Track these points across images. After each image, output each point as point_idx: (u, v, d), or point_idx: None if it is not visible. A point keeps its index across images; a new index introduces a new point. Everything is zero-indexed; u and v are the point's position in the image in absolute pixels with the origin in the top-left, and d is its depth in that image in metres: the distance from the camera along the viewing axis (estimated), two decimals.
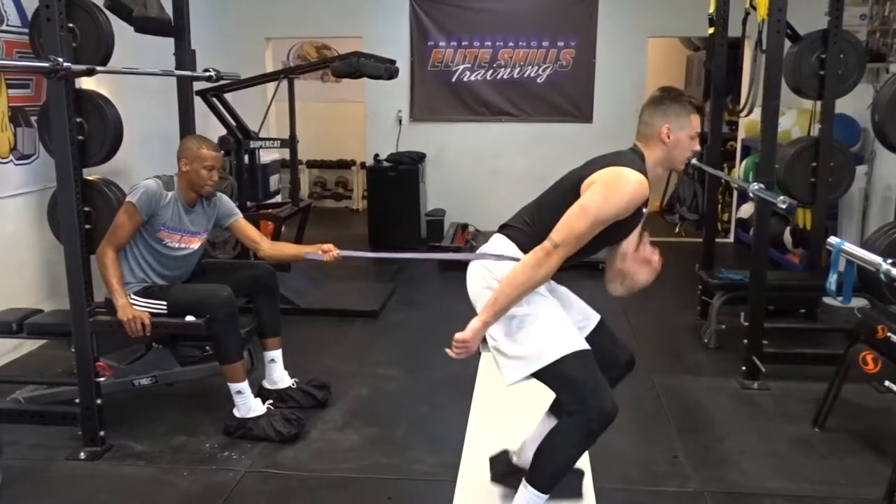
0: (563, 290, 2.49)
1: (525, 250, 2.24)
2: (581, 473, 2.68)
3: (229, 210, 3.34)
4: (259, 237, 3.39)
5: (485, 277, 2.32)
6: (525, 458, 2.52)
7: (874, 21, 5.28)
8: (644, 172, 2.19)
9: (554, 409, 2.56)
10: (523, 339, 2.21)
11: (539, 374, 2.20)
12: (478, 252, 2.41)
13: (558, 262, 2.14)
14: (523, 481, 2.31)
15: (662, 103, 2.26)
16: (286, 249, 3.51)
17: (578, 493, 2.63)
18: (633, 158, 2.23)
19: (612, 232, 2.22)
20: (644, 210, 2.27)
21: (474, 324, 2.21)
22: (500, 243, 2.34)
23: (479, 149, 7.13)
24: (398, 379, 3.80)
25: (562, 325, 2.24)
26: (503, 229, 2.38)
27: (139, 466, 2.92)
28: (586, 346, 2.22)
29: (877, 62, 5.10)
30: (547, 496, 2.27)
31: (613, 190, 2.13)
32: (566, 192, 2.24)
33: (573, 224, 2.13)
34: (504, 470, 2.68)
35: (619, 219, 2.16)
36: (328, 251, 3.10)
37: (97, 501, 2.69)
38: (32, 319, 3.24)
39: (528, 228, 2.30)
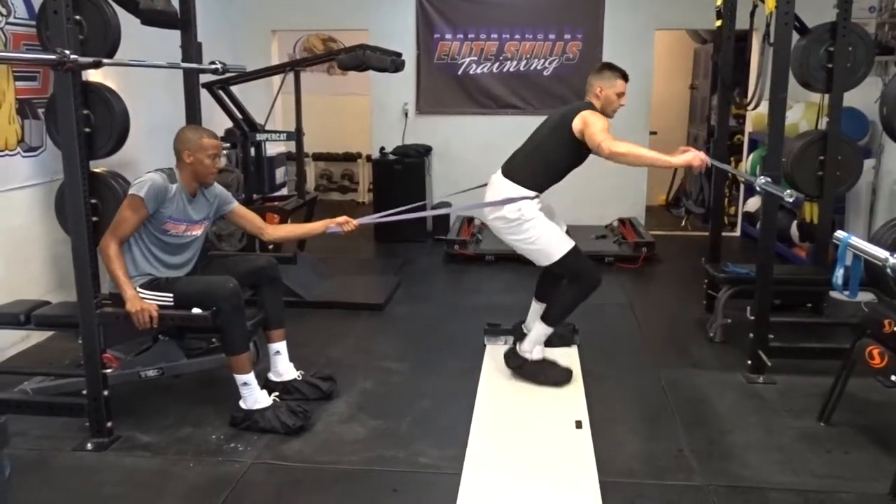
0: (551, 206, 3.63)
1: (528, 186, 3.41)
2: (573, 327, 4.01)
3: (227, 198, 3.37)
4: (262, 222, 3.43)
5: (502, 212, 3.43)
6: (525, 348, 3.65)
7: (883, 13, 5.24)
8: None
9: (538, 296, 3.82)
10: (541, 245, 3.43)
11: (553, 265, 3.46)
12: (487, 192, 3.56)
13: (613, 140, 3.18)
14: (539, 321, 3.57)
15: (600, 71, 3.53)
16: (293, 230, 3.61)
17: (568, 379, 3.58)
18: (591, 106, 3.42)
19: (582, 155, 3.41)
20: None
21: (677, 158, 3.24)
22: (507, 187, 3.45)
23: (485, 142, 7.10)
24: (403, 372, 3.81)
25: (559, 233, 3.47)
26: (508, 175, 3.48)
27: (146, 457, 2.94)
28: (574, 244, 3.45)
29: (885, 55, 5.07)
30: (552, 330, 3.58)
31: (599, 116, 3.34)
32: (557, 133, 3.41)
33: (597, 130, 3.22)
34: (515, 360, 3.64)
35: None
36: (344, 223, 3.19)
37: (104, 492, 2.71)
38: (40, 311, 3.25)
39: (529, 168, 3.46)
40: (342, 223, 3.29)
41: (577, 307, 3.52)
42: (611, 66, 3.52)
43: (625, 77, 3.49)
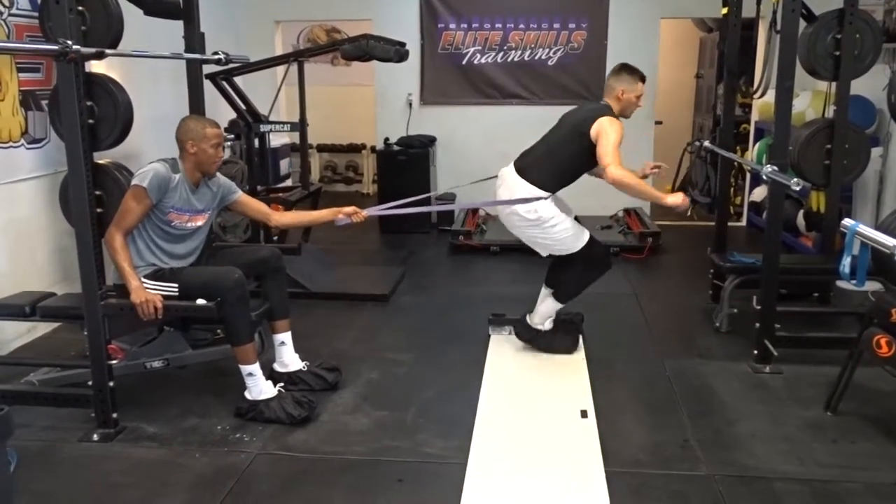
0: (560, 197, 3.65)
1: (542, 186, 3.47)
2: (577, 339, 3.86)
3: (231, 188, 3.37)
4: (267, 208, 3.44)
5: (519, 212, 3.52)
6: (536, 321, 3.84)
7: (891, 0, 5.19)
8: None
9: (549, 282, 3.84)
10: (563, 240, 3.56)
11: (570, 255, 3.60)
12: (499, 198, 3.60)
13: (620, 164, 3.28)
14: (551, 296, 3.74)
15: (620, 73, 3.54)
16: (299, 216, 3.63)
17: (575, 346, 3.84)
18: (608, 111, 3.45)
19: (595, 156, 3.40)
20: None
21: (667, 198, 3.37)
22: (520, 186, 3.50)
23: (489, 132, 7.09)
24: (408, 362, 3.81)
25: (577, 227, 3.58)
26: (521, 173, 3.54)
27: (151, 448, 2.95)
28: (588, 233, 3.61)
29: (893, 42, 5.02)
30: (562, 305, 3.76)
31: (616, 126, 3.36)
32: (574, 136, 3.47)
33: (609, 149, 3.29)
34: (527, 332, 3.84)
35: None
36: (353, 213, 3.18)
37: (110, 482, 2.72)
38: (45, 303, 3.26)
39: (543, 168, 3.51)
40: (351, 213, 3.26)
41: (589, 285, 3.70)
42: (630, 69, 3.53)
43: (643, 79, 3.54)
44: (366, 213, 3.32)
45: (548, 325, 3.78)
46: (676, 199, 3.35)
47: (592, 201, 6.47)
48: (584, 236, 3.57)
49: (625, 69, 3.53)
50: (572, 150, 3.47)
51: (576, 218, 3.70)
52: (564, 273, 3.72)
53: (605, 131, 3.32)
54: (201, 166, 3.14)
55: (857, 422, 3.11)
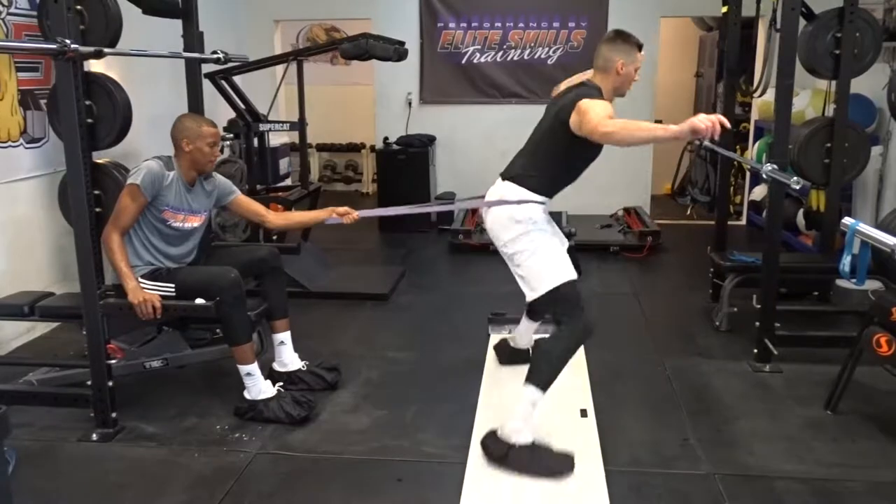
0: (552, 220, 3.04)
1: (531, 188, 2.87)
2: (571, 458, 2.76)
3: (228, 188, 3.36)
4: (264, 210, 3.41)
5: (509, 212, 2.87)
6: (518, 343, 3.55)
7: None
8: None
9: (530, 313, 3.45)
10: (540, 264, 2.81)
11: (545, 294, 2.80)
12: (486, 199, 2.98)
13: (608, 121, 2.53)
14: (525, 383, 2.75)
15: (616, 42, 2.83)
16: (294, 217, 3.62)
17: (571, 468, 2.72)
18: (593, 92, 2.76)
19: (589, 152, 2.83)
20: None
21: (677, 127, 2.40)
22: (511, 189, 2.90)
23: (489, 131, 7.08)
24: (408, 362, 3.81)
25: (560, 257, 2.85)
26: (508, 178, 2.94)
27: (151, 448, 2.94)
28: (575, 275, 2.82)
29: (893, 41, 5.01)
30: (544, 393, 2.73)
31: (595, 101, 2.66)
32: (552, 123, 2.84)
33: (593, 116, 2.56)
34: (508, 353, 3.56)
35: None
36: (345, 214, 3.16)
37: (109, 482, 2.71)
38: (44, 302, 3.26)
39: (528, 169, 2.91)
40: (343, 214, 3.20)
41: (570, 359, 2.77)
42: (625, 36, 2.84)
43: (641, 48, 2.86)
44: (358, 214, 3.21)
45: (524, 437, 2.72)
46: (691, 122, 2.35)
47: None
48: (568, 273, 2.80)
49: (620, 37, 2.84)
50: (557, 147, 2.84)
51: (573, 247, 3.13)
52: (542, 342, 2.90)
53: (586, 108, 2.60)
54: (197, 165, 3.13)
55: (857, 421, 3.11)
